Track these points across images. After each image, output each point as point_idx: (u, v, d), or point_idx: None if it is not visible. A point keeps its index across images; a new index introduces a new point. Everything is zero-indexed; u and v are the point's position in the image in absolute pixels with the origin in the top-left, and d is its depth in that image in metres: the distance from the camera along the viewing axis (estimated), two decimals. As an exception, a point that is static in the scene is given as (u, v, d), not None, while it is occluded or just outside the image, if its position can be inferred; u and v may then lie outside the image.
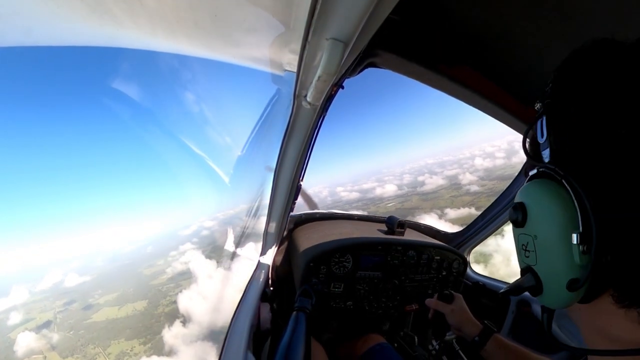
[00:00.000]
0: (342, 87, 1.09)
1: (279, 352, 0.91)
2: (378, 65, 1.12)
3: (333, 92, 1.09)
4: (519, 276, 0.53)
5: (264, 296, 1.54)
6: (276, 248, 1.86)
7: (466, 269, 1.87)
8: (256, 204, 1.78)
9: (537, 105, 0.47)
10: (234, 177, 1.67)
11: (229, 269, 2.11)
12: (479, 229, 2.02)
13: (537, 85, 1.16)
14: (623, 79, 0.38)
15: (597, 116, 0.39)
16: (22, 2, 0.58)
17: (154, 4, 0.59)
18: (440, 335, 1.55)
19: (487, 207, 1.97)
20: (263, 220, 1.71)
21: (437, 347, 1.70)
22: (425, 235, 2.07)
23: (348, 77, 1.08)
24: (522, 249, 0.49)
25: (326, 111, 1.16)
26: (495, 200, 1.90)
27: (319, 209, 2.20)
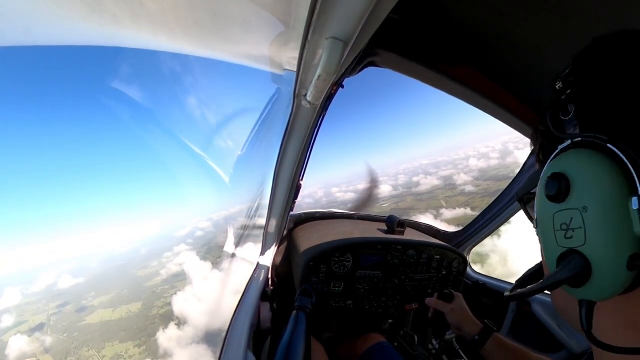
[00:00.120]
0: (342, 87, 1.09)
1: (279, 351, 0.92)
2: (378, 64, 1.12)
3: (333, 92, 1.09)
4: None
5: (264, 295, 1.54)
6: (276, 247, 1.86)
7: (466, 268, 1.87)
8: (256, 203, 1.78)
9: (559, 85, 0.44)
10: (234, 177, 1.67)
11: (228, 269, 2.11)
12: (479, 228, 2.02)
13: (537, 85, 1.16)
14: None
15: (633, 81, 0.38)
16: (22, 2, 0.58)
17: (153, 3, 0.59)
18: (440, 334, 1.56)
19: (485, 206, 1.97)
20: (263, 220, 1.71)
21: (437, 346, 1.70)
22: (425, 235, 2.06)
23: (348, 77, 1.08)
24: (562, 230, 0.41)
25: (326, 110, 1.16)
26: (496, 199, 1.90)
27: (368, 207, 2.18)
